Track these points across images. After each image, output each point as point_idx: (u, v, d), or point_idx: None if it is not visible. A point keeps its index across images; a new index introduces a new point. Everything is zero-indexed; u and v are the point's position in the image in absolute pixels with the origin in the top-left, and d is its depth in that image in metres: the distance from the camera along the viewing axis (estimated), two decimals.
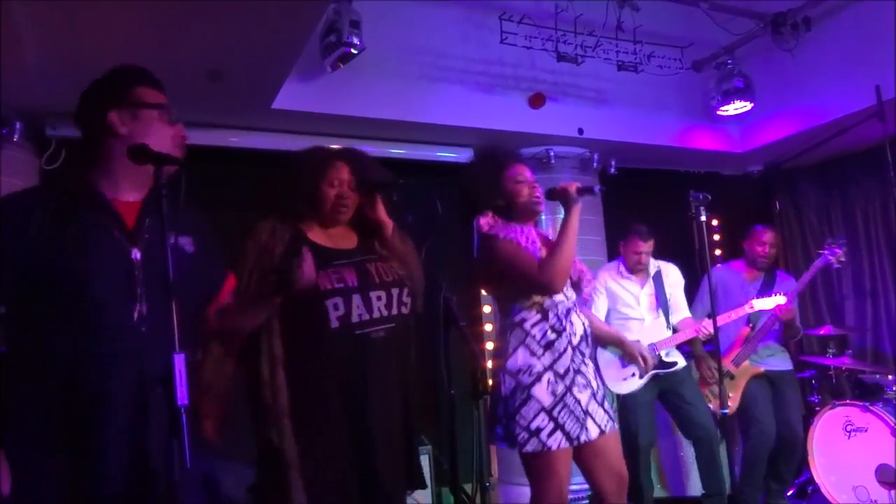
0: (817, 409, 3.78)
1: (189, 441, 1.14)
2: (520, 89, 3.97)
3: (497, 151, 2.44)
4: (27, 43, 2.46)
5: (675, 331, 3.59)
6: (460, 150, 4.20)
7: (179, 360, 1.15)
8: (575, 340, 2.26)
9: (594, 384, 2.29)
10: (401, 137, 3.98)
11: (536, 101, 3.95)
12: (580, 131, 4.12)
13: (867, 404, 3.48)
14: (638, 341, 3.49)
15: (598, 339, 3.61)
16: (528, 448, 2.15)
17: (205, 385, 1.90)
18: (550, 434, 2.13)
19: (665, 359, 3.48)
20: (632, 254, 3.60)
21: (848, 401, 3.60)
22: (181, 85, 3.00)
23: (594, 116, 4.16)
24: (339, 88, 3.47)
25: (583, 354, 2.27)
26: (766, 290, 3.79)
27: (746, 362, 3.69)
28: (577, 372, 2.23)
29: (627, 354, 3.44)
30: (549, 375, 2.18)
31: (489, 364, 3.68)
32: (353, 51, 3.17)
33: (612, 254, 4.27)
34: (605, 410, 2.29)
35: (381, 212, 2.04)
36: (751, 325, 3.72)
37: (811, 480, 3.68)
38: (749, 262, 3.90)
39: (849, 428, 3.51)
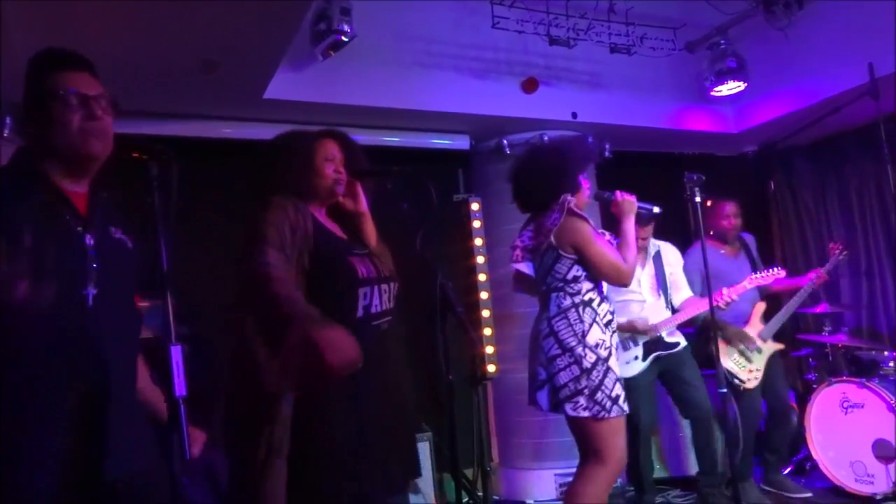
0: (814, 386, 3.81)
1: (187, 432, 1.13)
2: (513, 74, 3.95)
3: (591, 148, 2.69)
4: (16, 35, 2.43)
5: (675, 311, 3.59)
6: (454, 136, 4.19)
7: (176, 352, 1.14)
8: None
9: None
10: (394, 125, 3.96)
11: (529, 85, 3.94)
12: (574, 115, 4.10)
13: (864, 380, 3.51)
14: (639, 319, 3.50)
15: None
16: (613, 414, 2.38)
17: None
18: (624, 400, 2.43)
19: (667, 339, 3.49)
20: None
21: (844, 377, 3.63)
22: (173, 77, 3.01)
23: (588, 100, 4.14)
24: (330, 77, 3.45)
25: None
26: (752, 261, 3.83)
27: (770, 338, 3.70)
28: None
29: (631, 331, 3.45)
30: (615, 349, 2.48)
31: (488, 350, 3.72)
32: (344, 38, 3.15)
33: None
34: None
35: (362, 203, 2.02)
36: (764, 299, 3.74)
37: (809, 457, 3.71)
38: (719, 238, 3.82)
39: (846, 404, 3.53)
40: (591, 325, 2.42)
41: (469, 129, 4.17)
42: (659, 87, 4.35)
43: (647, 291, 3.58)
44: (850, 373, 3.74)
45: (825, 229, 4.98)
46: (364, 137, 3.76)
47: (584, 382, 2.37)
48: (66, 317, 1.33)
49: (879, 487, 3.37)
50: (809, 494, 3.63)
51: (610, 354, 2.43)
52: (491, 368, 3.71)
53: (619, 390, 2.40)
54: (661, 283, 3.59)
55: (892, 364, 3.74)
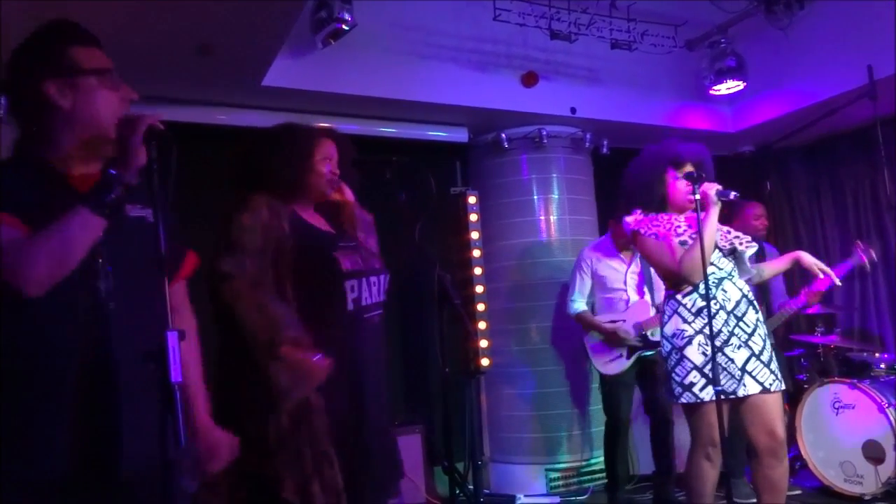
0: (806, 386, 3.82)
1: (182, 419, 1.12)
2: (512, 67, 3.93)
3: (662, 154, 2.65)
4: (4, 12, 2.39)
5: (659, 310, 3.59)
6: (452, 128, 4.17)
7: (173, 337, 1.12)
8: (729, 306, 2.48)
9: (757, 345, 2.46)
10: (392, 116, 3.94)
11: (529, 79, 3.92)
12: (573, 110, 4.09)
13: (855, 381, 3.52)
14: (622, 321, 3.51)
15: (584, 327, 3.65)
16: (683, 400, 2.47)
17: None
18: (702, 388, 2.41)
19: (651, 338, 3.49)
20: (621, 235, 3.59)
21: (836, 378, 3.64)
22: (169, 60, 2.97)
23: (587, 95, 4.13)
24: (329, 65, 3.42)
25: (738, 318, 2.47)
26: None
27: None
28: (732, 334, 2.45)
29: (612, 338, 3.47)
30: (699, 338, 2.44)
31: (483, 343, 3.71)
32: (345, 27, 3.12)
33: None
34: (772, 371, 2.46)
35: (348, 193, 2.04)
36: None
37: (799, 456, 3.73)
38: None
39: (837, 405, 3.55)
40: (670, 317, 2.54)
41: (467, 122, 4.15)
42: (658, 85, 4.34)
43: (632, 289, 3.59)
44: (841, 374, 3.75)
45: (819, 231, 4.99)
46: (362, 127, 3.76)
47: (663, 369, 2.61)
48: (77, 312, 1.29)
49: (868, 488, 3.39)
50: (799, 492, 3.65)
51: (689, 343, 2.45)
52: (485, 362, 3.70)
53: (694, 378, 2.43)
54: (647, 281, 3.59)
55: (883, 366, 3.76)
